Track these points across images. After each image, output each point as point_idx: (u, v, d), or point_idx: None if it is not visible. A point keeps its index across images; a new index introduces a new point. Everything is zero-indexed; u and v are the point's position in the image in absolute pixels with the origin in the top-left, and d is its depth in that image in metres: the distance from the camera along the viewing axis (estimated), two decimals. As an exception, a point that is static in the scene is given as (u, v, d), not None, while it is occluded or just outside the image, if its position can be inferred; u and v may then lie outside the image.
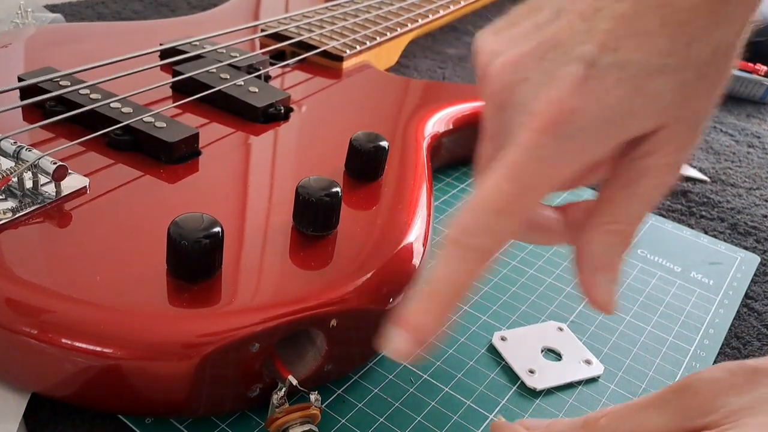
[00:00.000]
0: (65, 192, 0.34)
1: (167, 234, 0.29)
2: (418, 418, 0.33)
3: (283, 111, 0.45)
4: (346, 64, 0.54)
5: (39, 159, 0.34)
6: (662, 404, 0.25)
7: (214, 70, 0.46)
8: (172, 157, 0.38)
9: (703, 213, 0.54)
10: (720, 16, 0.21)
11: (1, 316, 0.28)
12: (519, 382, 0.36)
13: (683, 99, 0.22)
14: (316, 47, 0.54)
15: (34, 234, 0.32)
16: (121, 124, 0.38)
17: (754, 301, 0.45)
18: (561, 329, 0.39)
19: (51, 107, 0.40)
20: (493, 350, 0.37)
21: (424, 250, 0.36)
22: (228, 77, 0.45)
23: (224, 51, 0.49)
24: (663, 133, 0.23)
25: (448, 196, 0.51)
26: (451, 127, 0.49)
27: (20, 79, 0.41)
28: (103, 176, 0.36)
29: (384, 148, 0.39)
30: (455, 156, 0.53)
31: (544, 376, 0.36)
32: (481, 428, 0.33)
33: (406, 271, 0.34)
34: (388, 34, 0.60)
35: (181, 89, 0.45)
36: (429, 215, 0.38)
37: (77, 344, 0.27)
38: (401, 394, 0.34)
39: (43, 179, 0.34)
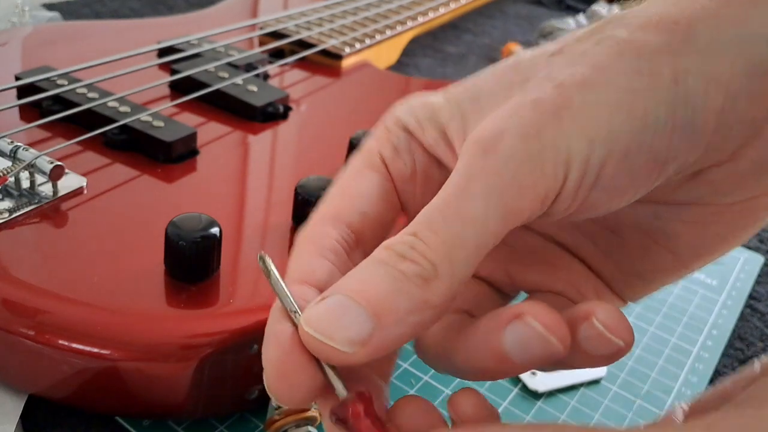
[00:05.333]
0: (62, 192, 0.34)
1: (165, 234, 0.29)
2: (419, 420, 0.32)
3: (282, 110, 0.45)
4: (346, 63, 0.53)
5: (36, 158, 0.33)
6: None
7: (213, 69, 0.45)
8: (170, 156, 0.38)
9: (705, 212, 0.53)
10: None
11: (-3, 317, 0.28)
12: (520, 384, 0.35)
13: None
14: (315, 45, 0.53)
15: (30, 234, 0.31)
16: (118, 123, 0.38)
17: (757, 302, 0.44)
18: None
19: (48, 106, 0.40)
20: (494, 351, 0.37)
21: (424, 251, 0.35)
22: (226, 76, 0.45)
23: (222, 49, 0.49)
24: None
25: (449, 195, 0.50)
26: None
27: (17, 78, 0.41)
28: (100, 176, 0.36)
29: (384, 147, 0.39)
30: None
31: (546, 377, 0.35)
32: (483, 430, 0.32)
33: (406, 272, 0.33)
34: (388, 32, 0.59)
35: (179, 88, 0.45)
36: (429, 215, 0.38)
37: (74, 345, 0.27)
38: (401, 396, 0.34)
39: (40, 179, 0.34)
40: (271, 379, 0.18)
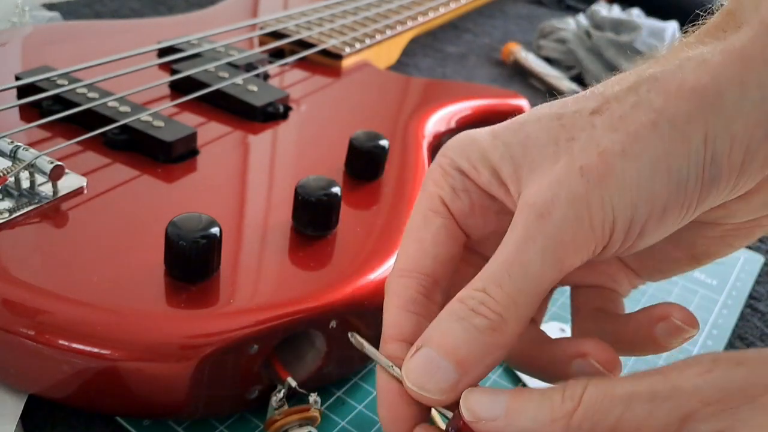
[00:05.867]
0: (62, 192, 0.34)
1: (165, 234, 0.29)
2: (419, 420, 0.33)
3: (282, 110, 0.45)
4: (346, 63, 0.53)
5: (36, 158, 0.33)
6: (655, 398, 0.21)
7: (213, 69, 0.45)
8: (170, 156, 0.38)
9: (706, 212, 0.53)
10: None
11: (-3, 317, 0.28)
12: (521, 384, 0.35)
13: None
14: (315, 45, 0.53)
15: (31, 234, 0.31)
16: (118, 123, 0.38)
17: (757, 302, 0.44)
18: (563, 330, 0.39)
19: (48, 106, 0.40)
20: (494, 351, 0.37)
21: (424, 250, 0.35)
22: (226, 76, 0.45)
23: (223, 49, 0.49)
24: None
25: (449, 195, 0.50)
26: (451, 125, 0.49)
27: (17, 78, 0.41)
28: (100, 176, 0.36)
29: (384, 147, 0.39)
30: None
31: (545, 377, 0.35)
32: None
33: (406, 272, 0.33)
34: (388, 32, 0.59)
35: (179, 88, 0.45)
36: (429, 215, 0.38)
37: (74, 345, 0.27)
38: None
39: (40, 179, 0.34)
40: (386, 426, 0.24)
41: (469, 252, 0.28)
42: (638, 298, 0.43)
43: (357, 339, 0.25)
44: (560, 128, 0.23)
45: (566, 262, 0.22)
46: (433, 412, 0.24)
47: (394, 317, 0.25)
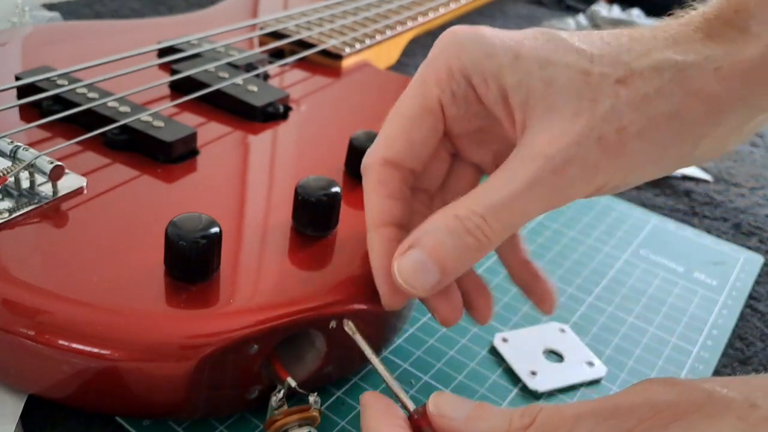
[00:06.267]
0: (62, 192, 0.34)
1: (165, 234, 0.29)
2: (419, 420, 0.32)
3: (282, 110, 0.45)
4: (346, 63, 0.53)
5: (36, 158, 0.33)
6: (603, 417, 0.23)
7: (213, 69, 0.45)
8: (170, 156, 0.38)
9: (706, 213, 0.53)
10: None
11: (-3, 317, 0.28)
12: (521, 384, 0.35)
13: None
14: (315, 45, 0.53)
15: (30, 234, 0.31)
16: (118, 124, 0.38)
17: (757, 302, 0.44)
18: (563, 330, 0.39)
19: (48, 106, 0.40)
20: (494, 352, 0.37)
21: (424, 251, 0.35)
22: (226, 76, 0.45)
23: (223, 49, 0.49)
24: None
25: (449, 195, 0.50)
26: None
27: (17, 78, 0.41)
28: (100, 176, 0.36)
29: (384, 147, 0.39)
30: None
31: (545, 377, 0.35)
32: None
33: (406, 272, 0.33)
34: (388, 32, 0.59)
35: (179, 88, 0.45)
36: (429, 215, 0.38)
37: (74, 345, 0.27)
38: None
39: (40, 179, 0.34)
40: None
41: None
42: (637, 299, 0.43)
43: (350, 326, 0.29)
44: (586, 85, 0.25)
45: (557, 206, 0.26)
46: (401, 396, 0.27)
47: (381, 205, 0.28)
